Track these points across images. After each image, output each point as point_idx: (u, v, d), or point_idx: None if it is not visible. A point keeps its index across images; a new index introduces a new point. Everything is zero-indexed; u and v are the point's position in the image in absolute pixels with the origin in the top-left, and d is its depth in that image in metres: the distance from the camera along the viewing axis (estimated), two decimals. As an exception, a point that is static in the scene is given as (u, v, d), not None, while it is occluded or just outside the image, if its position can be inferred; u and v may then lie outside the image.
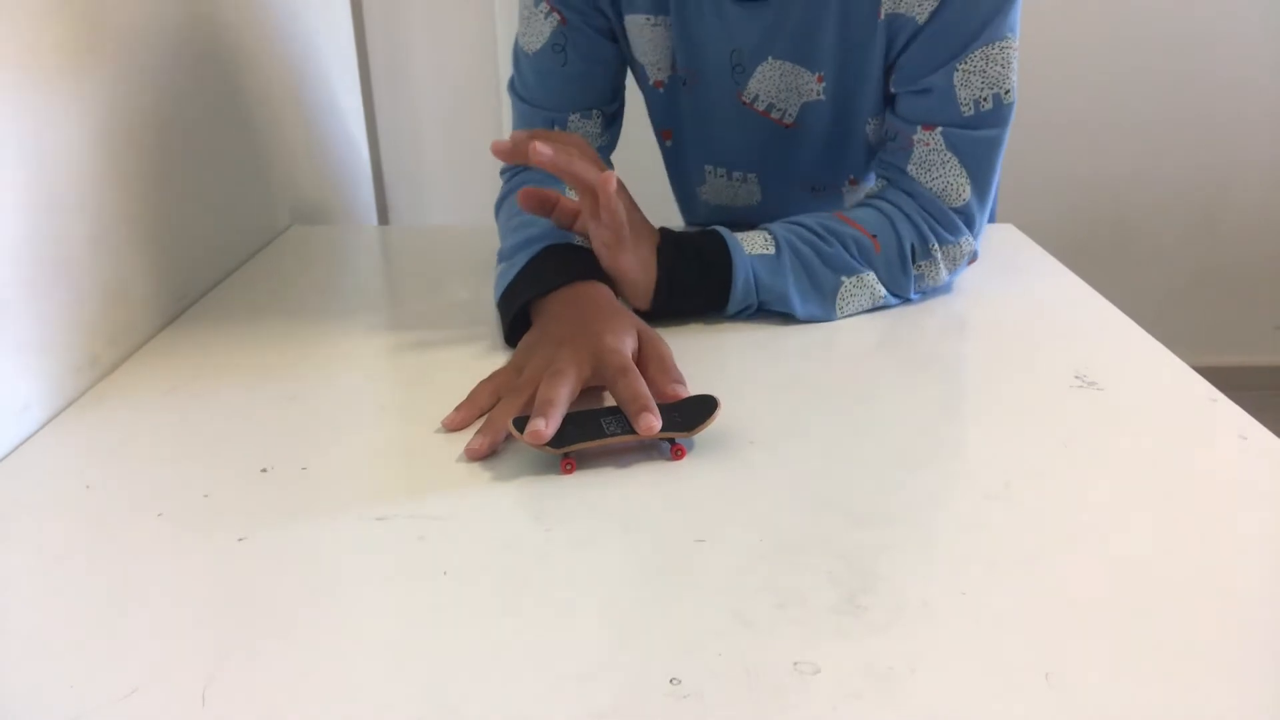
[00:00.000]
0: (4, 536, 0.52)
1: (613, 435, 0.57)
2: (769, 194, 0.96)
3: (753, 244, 0.77)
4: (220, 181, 0.94)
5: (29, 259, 0.64)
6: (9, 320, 0.62)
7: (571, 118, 0.88)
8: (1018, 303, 0.84)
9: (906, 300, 0.82)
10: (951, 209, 0.80)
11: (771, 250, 0.77)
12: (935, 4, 0.75)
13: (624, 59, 0.91)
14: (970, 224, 0.81)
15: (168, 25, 0.85)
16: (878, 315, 0.80)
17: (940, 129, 0.78)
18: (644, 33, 0.87)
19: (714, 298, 0.77)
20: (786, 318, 0.78)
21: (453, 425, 0.62)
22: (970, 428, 0.64)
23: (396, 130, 1.69)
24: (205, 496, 0.55)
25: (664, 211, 0.87)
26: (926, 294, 0.83)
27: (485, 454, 0.59)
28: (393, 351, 0.76)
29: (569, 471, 0.57)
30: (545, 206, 0.76)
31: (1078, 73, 2.09)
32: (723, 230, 0.77)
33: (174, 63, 0.85)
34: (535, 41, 0.87)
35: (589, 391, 0.64)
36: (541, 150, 0.67)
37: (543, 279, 0.73)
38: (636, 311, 0.76)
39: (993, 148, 0.79)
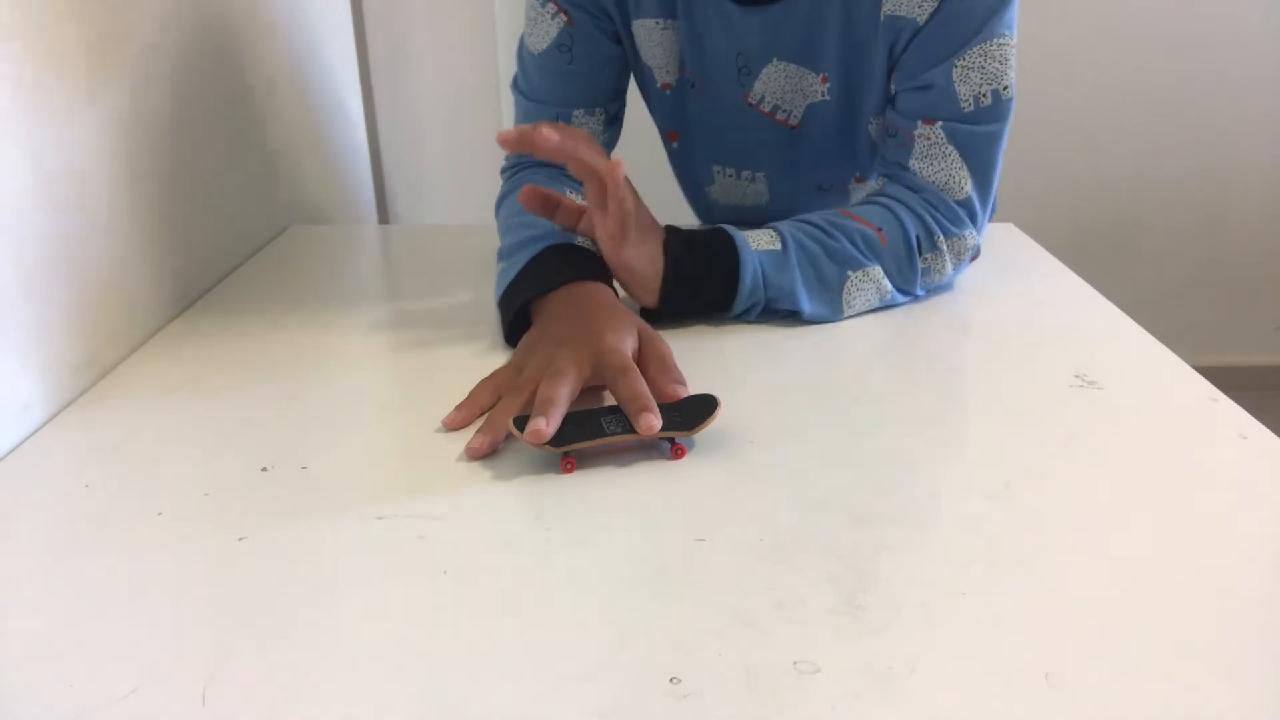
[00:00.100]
0: (4, 536, 0.52)
1: (613, 434, 0.57)
2: (777, 193, 0.96)
3: (758, 241, 0.77)
4: (220, 181, 0.94)
5: (29, 258, 0.64)
6: (9, 319, 0.62)
7: (575, 113, 0.88)
8: (1018, 302, 0.84)
9: (913, 297, 0.82)
10: (954, 201, 0.80)
11: (777, 246, 0.76)
12: (935, 4, 0.76)
13: (627, 60, 0.91)
14: (973, 218, 0.81)
15: (171, 25, 0.85)
16: (878, 315, 0.80)
17: (941, 123, 0.79)
18: (652, 36, 0.87)
19: (721, 294, 0.76)
20: (788, 318, 0.78)
21: (453, 424, 0.62)
22: (970, 428, 0.64)
23: (396, 130, 1.69)
24: (205, 496, 0.55)
25: (670, 212, 0.86)
26: (932, 290, 0.83)
27: (485, 453, 0.59)
28: (393, 351, 0.76)
29: (569, 471, 0.57)
30: (548, 207, 0.76)
31: (1078, 72, 2.09)
32: (728, 228, 0.77)
33: (175, 63, 0.85)
34: (541, 42, 0.87)
35: (589, 391, 0.64)
36: (548, 135, 0.66)
37: (543, 278, 0.73)
38: (644, 312, 0.76)
39: (993, 142, 0.80)
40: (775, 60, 0.85)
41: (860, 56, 0.83)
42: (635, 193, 0.73)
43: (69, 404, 0.67)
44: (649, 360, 0.65)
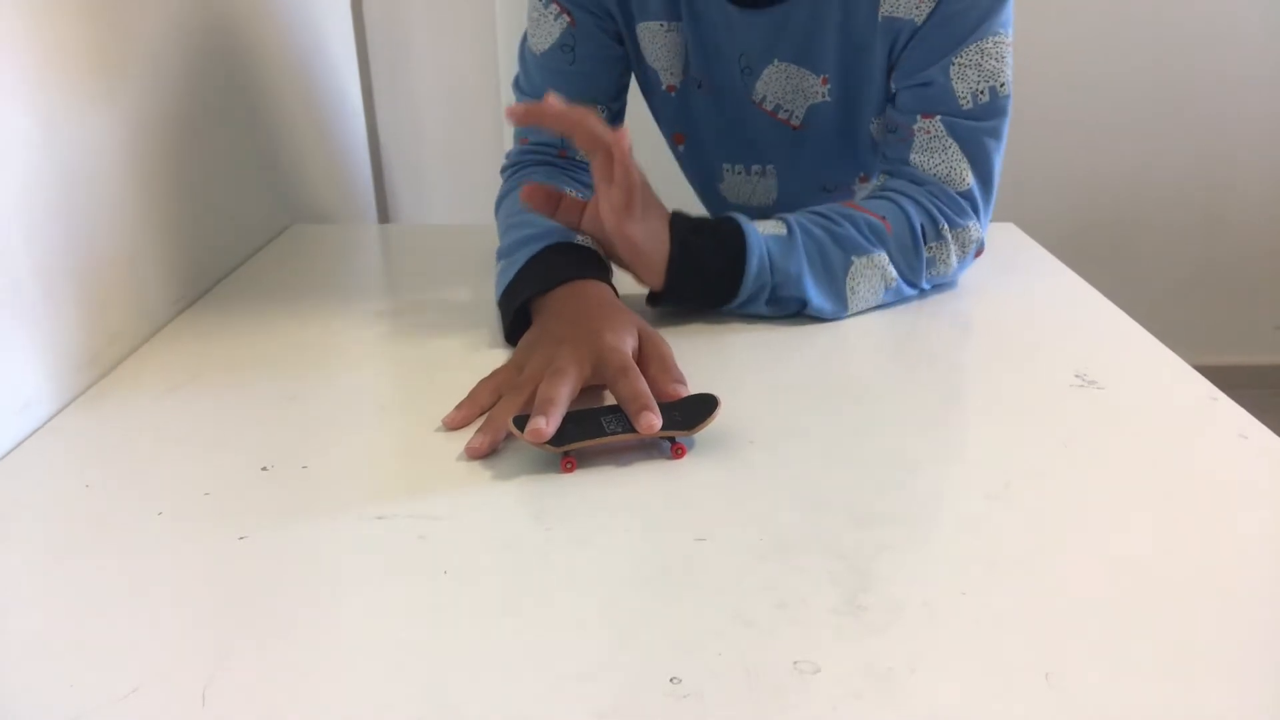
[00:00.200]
0: (4, 536, 0.52)
1: (613, 434, 0.57)
2: (785, 191, 0.97)
3: (764, 227, 0.77)
4: (221, 180, 0.94)
5: (30, 257, 0.64)
6: (10, 318, 0.62)
7: None
8: (1018, 302, 0.84)
9: (918, 289, 0.82)
10: (957, 193, 0.81)
11: (783, 231, 0.76)
12: (932, 5, 0.77)
13: (629, 60, 0.91)
14: (976, 210, 0.82)
15: (172, 26, 0.85)
16: (878, 314, 0.80)
17: (940, 117, 0.80)
18: (657, 38, 0.88)
19: (728, 276, 0.75)
20: (791, 317, 0.78)
21: (453, 424, 0.62)
22: (970, 428, 0.64)
23: (396, 129, 1.69)
24: (205, 495, 0.55)
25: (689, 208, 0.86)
26: (937, 285, 0.83)
27: (486, 452, 0.58)
28: (393, 350, 0.76)
29: (569, 470, 0.57)
30: (550, 203, 0.75)
31: (1078, 73, 2.09)
32: (735, 215, 0.77)
33: (177, 63, 0.85)
34: (544, 42, 0.87)
35: (589, 390, 0.64)
36: (554, 102, 0.67)
37: (543, 277, 0.73)
38: (649, 297, 0.76)
39: (992, 138, 0.80)
40: (776, 61, 0.86)
41: (859, 58, 0.83)
42: (642, 172, 0.73)
43: (69, 403, 0.67)
44: (649, 359, 0.65)
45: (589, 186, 0.89)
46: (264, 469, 0.58)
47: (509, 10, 1.62)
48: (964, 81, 0.78)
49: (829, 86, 0.86)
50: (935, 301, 0.83)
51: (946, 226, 0.80)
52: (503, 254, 0.79)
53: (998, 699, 0.40)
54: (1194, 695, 0.40)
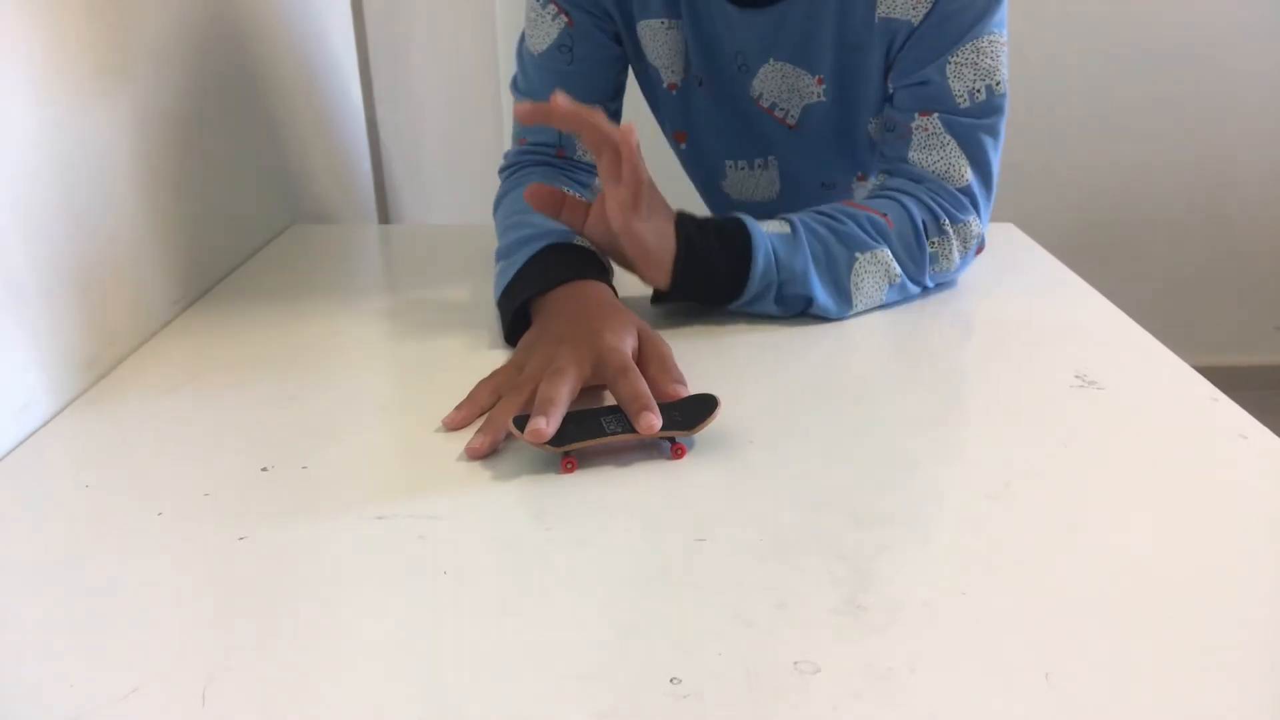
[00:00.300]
0: (4, 536, 0.52)
1: (613, 434, 0.57)
2: (786, 184, 0.97)
3: (768, 226, 0.77)
4: (221, 181, 0.94)
5: (30, 258, 0.64)
6: (10, 318, 0.62)
7: None
8: (1018, 303, 0.84)
9: (922, 286, 0.82)
10: (956, 189, 0.81)
11: (787, 230, 0.76)
12: (929, 6, 0.78)
13: (626, 60, 0.92)
14: (976, 206, 0.82)
15: (173, 27, 0.85)
16: (878, 314, 0.80)
17: (937, 115, 0.80)
18: (658, 37, 0.88)
19: (734, 275, 0.75)
20: (795, 317, 0.78)
21: (453, 424, 0.62)
22: (970, 428, 0.64)
23: (397, 130, 1.69)
24: (205, 495, 0.55)
25: (692, 208, 0.86)
26: (939, 283, 0.83)
27: (486, 453, 0.59)
28: (393, 350, 0.76)
29: (569, 470, 0.57)
30: (554, 204, 0.75)
31: (1078, 73, 2.09)
32: (739, 214, 0.77)
33: (176, 64, 0.85)
34: (542, 42, 0.87)
35: (589, 390, 0.64)
36: (562, 100, 0.66)
37: (543, 277, 0.73)
38: (654, 296, 0.76)
39: (989, 134, 0.81)
40: (772, 60, 0.86)
41: (855, 59, 0.84)
42: (648, 172, 0.72)
43: (69, 403, 0.67)
44: (649, 360, 0.65)
45: (587, 186, 0.89)
46: (264, 469, 0.58)
47: (509, 10, 1.62)
48: (960, 80, 0.79)
49: (824, 87, 0.87)
50: (935, 301, 0.83)
51: (948, 222, 0.80)
52: (502, 254, 0.79)
53: (998, 699, 0.40)
54: (1194, 695, 0.40)
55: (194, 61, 0.89)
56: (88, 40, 0.72)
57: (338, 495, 0.55)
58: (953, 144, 0.80)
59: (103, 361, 0.71)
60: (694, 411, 0.59)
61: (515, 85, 0.92)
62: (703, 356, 0.72)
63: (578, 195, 0.78)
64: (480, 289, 0.86)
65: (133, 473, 0.58)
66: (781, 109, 0.89)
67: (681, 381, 0.64)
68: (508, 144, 0.95)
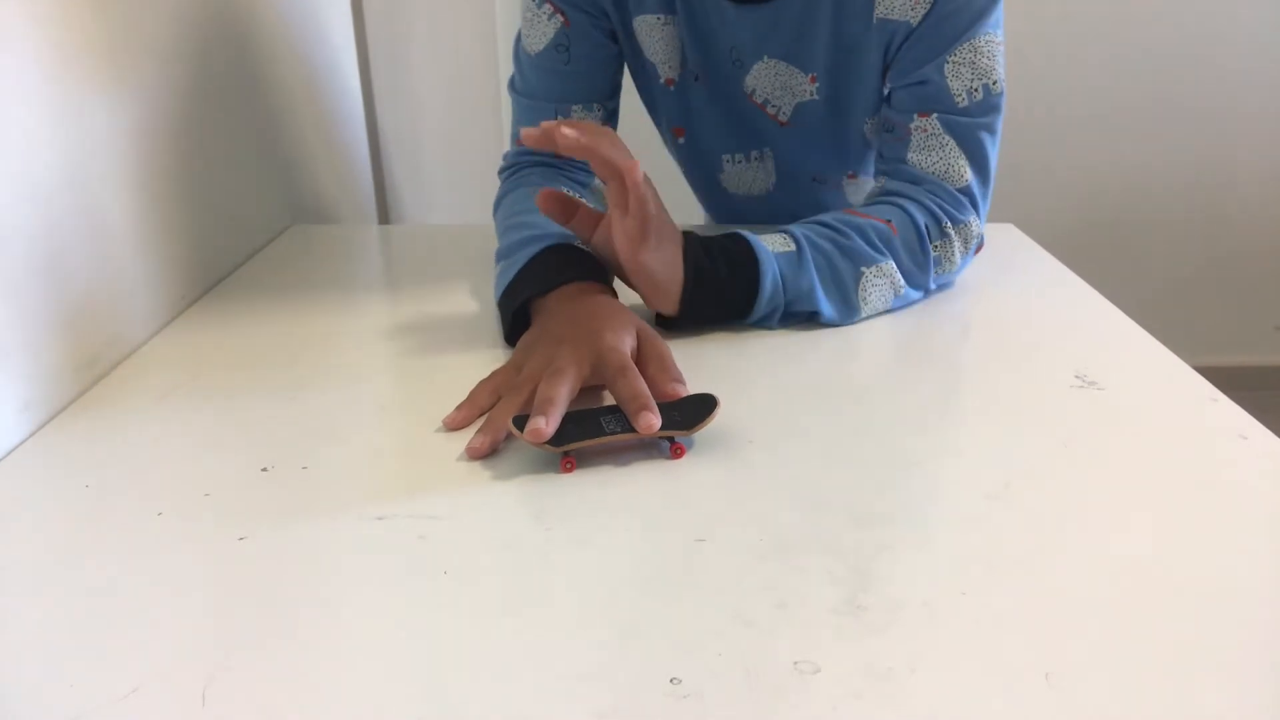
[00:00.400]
0: (4, 536, 0.52)
1: (612, 434, 0.57)
2: (781, 176, 0.97)
3: (773, 244, 0.76)
4: (221, 181, 0.94)
5: (30, 258, 0.64)
6: (9, 318, 0.62)
7: (573, 110, 0.88)
8: (1018, 303, 0.84)
9: (925, 291, 0.82)
10: (956, 189, 0.81)
11: (792, 248, 0.76)
12: (927, 7, 0.78)
13: (623, 58, 0.92)
14: (975, 205, 0.82)
15: (172, 26, 0.85)
16: (879, 315, 0.80)
17: (936, 115, 0.80)
18: (655, 32, 0.88)
19: (741, 300, 0.75)
20: (803, 323, 0.78)
21: (453, 425, 0.62)
22: (970, 428, 0.64)
23: (397, 130, 1.69)
24: (206, 496, 0.55)
25: (676, 208, 0.86)
26: (942, 284, 0.84)
27: (486, 453, 0.59)
28: (393, 351, 0.76)
29: (568, 470, 0.57)
30: (566, 212, 0.74)
31: (1079, 73, 2.09)
32: (744, 232, 0.76)
33: (176, 64, 0.85)
34: (538, 42, 0.87)
35: (589, 390, 0.64)
36: (567, 134, 0.65)
37: (543, 278, 0.73)
38: (662, 321, 0.75)
39: (987, 133, 0.81)
40: (765, 58, 0.86)
41: (851, 59, 0.84)
42: (658, 197, 0.72)
43: (69, 404, 0.67)
44: (648, 359, 0.65)
45: (586, 185, 0.89)
46: (264, 469, 0.58)
47: (509, 10, 1.62)
48: (959, 79, 0.79)
49: (817, 85, 0.87)
50: (935, 301, 0.83)
51: (949, 223, 0.80)
52: (502, 255, 0.79)
53: (998, 699, 0.40)
54: (1194, 695, 0.40)
55: (194, 62, 0.89)
56: (88, 41, 0.72)
57: (338, 495, 0.55)
58: (952, 144, 0.80)
59: (103, 362, 0.71)
60: (693, 411, 0.59)
61: (513, 86, 0.92)
62: (702, 356, 0.72)
63: (587, 202, 0.78)
64: (480, 289, 0.86)
65: (133, 473, 0.58)
66: (774, 106, 0.90)
67: (681, 381, 0.64)
68: (507, 144, 0.96)
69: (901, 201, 0.80)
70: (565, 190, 0.84)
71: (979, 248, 0.84)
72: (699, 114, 0.94)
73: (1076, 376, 0.69)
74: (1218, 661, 0.42)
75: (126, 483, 0.57)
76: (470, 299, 0.85)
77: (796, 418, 0.64)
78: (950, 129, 0.80)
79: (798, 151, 0.94)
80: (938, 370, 0.73)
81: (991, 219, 0.90)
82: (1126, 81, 2.10)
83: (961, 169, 0.80)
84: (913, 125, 0.81)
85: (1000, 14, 0.80)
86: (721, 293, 0.74)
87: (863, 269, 0.77)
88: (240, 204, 0.99)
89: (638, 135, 1.00)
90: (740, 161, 0.97)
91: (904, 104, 0.82)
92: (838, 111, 0.88)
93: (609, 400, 0.63)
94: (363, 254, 1.07)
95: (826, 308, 0.76)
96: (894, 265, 0.78)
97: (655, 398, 0.60)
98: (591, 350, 0.64)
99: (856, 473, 0.57)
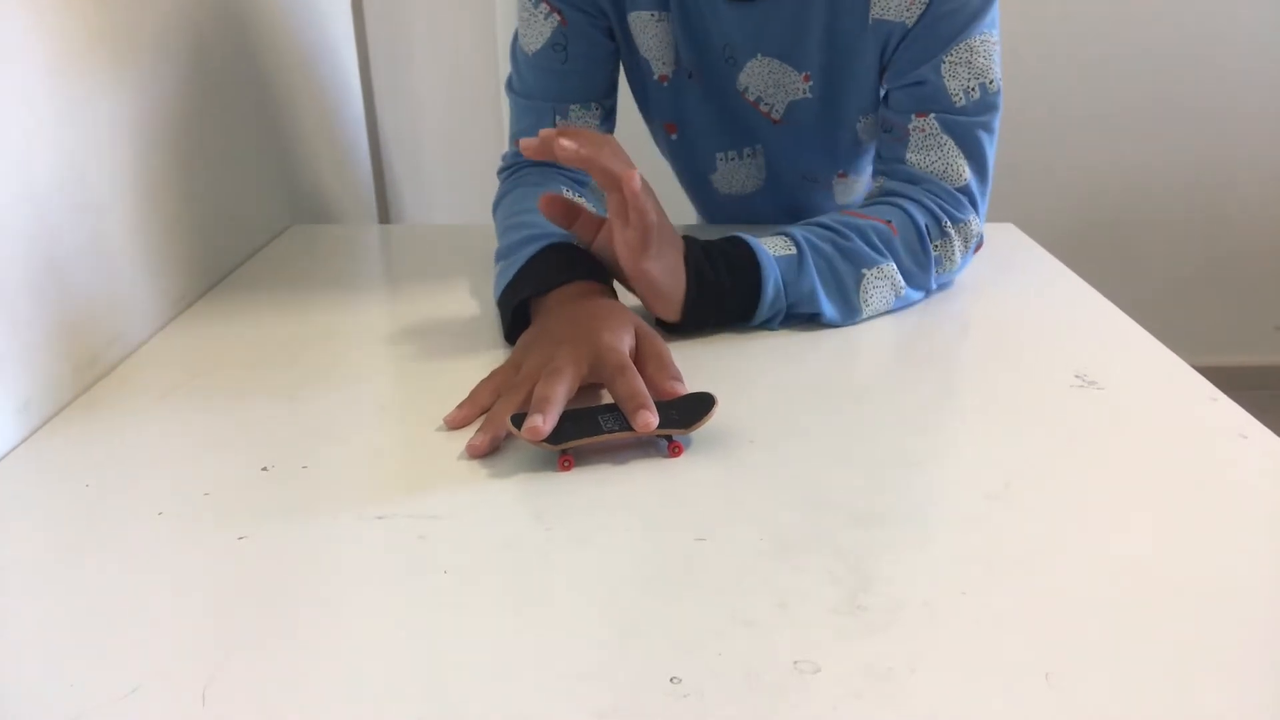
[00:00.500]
0: (4, 536, 0.52)
1: (610, 432, 0.57)
2: (772, 172, 0.97)
3: (773, 247, 0.76)
4: (221, 181, 0.94)
5: (30, 257, 0.64)
6: (9, 318, 0.62)
7: (572, 109, 0.88)
8: (1018, 303, 0.84)
9: (926, 291, 0.82)
10: (955, 188, 0.81)
11: (792, 251, 0.76)
12: (923, 7, 0.78)
13: (619, 55, 0.92)
14: (974, 204, 0.82)
15: (172, 26, 0.85)
16: (879, 315, 0.80)
17: (934, 114, 0.81)
18: (648, 28, 0.88)
19: (744, 304, 0.75)
20: (804, 324, 0.78)
21: (454, 423, 0.62)
22: (970, 427, 0.64)
23: (397, 130, 1.69)
24: (205, 495, 0.55)
25: (669, 208, 0.86)
26: (942, 284, 0.84)
27: (486, 451, 0.59)
28: (393, 351, 0.76)
29: (567, 469, 0.57)
30: (569, 216, 0.74)
31: (1079, 73, 2.09)
32: (745, 235, 0.76)
33: (176, 64, 0.85)
34: (535, 42, 0.87)
35: (588, 389, 0.64)
36: (566, 145, 0.65)
37: (543, 277, 0.73)
38: (664, 326, 0.75)
39: (985, 132, 0.81)
40: (759, 56, 0.86)
41: (845, 58, 0.84)
42: (658, 205, 0.71)
43: (69, 403, 0.67)
44: (647, 358, 0.65)
45: (585, 184, 0.89)
46: (264, 469, 0.58)
47: (509, 10, 1.62)
48: (956, 79, 0.79)
49: (811, 84, 0.87)
50: (935, 301, 0.83)
51: (949, 222, 0.80)
52: (501, 255, 0.79)
53: (998, 699, 0.40)
54: (1194, 695, 0.40)
55: (194, 62, 0.89)
56: (89, 40, 0.72)
57: (338, 495, 0.55)
58: (950, 143, 0.80)
59: (103, 361, 0.71)
60: (691, 410, 0.59)
61: (510, 85, 0.92)
62: (702, 355, 0.72)
63: (587, 201, 0.78)
64: (480, 289, 0.86)
65: (133, 473, 0.58)
66: (767, 103, 0.90)
67: (679, 379, 0.64)
68: (506, 145, 0.95)
69: (901, 201, 0.80)
70: (564, 190, 0.84)
71: (979, 246, 0.84)
72: (692, 111, 0.94)
73: (1076, 376, 0.69)
74: (1218, 661, 0.42)
75: (126, 483, 0.57)
76: (470, 299, 0.85)
77: (796, 418, 0.64)
78: (948, 128, 0.80)
79: (789, 150, 0.94)
80: (938, 370, 0.73)
81: (991, 219, 0.90)
82: (1126, 81, 2.10)
83: (960, 168, 0.80)
84: (911, 125, 0.81)
85: (995, 14, 0.80)
86: (724, 298, 0.74)
87: (863, 270, 0.77)
88: (240, 204, 0.99)
89: (637, 135, 1.00)
90: (733, 159, 0.97)
91: (901, 104, 0.82)
92: (831, 110, 0.89)
93: (607, 399, 0.63)
94: (363, 254, 1.07)
95: (828, 309, 0.76)
96: (895, 266, 0.78)
97: (654, 396, 0.60)
98: (590, 349, 0.64)
99: (856, 473, 0.57)
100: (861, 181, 1.01)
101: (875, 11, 0.80)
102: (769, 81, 0.88)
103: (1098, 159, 2.16)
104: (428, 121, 1.75)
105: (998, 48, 0.81)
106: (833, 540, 0.50)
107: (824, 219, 0.80)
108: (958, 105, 0.80)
